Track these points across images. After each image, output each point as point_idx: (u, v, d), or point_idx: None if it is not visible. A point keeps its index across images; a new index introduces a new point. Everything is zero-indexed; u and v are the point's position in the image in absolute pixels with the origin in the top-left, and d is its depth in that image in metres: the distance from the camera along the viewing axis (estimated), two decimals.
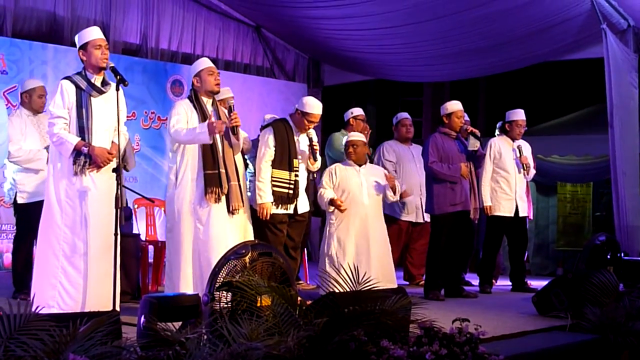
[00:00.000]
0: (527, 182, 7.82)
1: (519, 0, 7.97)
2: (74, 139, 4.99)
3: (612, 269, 6.55)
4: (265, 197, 6.08)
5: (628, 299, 5.49)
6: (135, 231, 7.11)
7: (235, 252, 4.08)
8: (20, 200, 6.24)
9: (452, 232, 7.01)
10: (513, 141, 7.74)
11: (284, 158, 6.16)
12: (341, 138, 7.54)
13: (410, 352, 3.71)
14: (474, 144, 7.25)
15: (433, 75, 10.81)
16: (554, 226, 10.71)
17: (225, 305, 3.85)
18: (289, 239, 6.27)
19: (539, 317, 5.82)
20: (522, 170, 7.65)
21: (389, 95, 13.54)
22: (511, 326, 5.36)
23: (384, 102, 13.59)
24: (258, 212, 6.07)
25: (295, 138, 6.27)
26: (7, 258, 7.86)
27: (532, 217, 8.19)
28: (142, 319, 3.70)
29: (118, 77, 4.94)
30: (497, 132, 8.34)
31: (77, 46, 5.16)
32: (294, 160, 6.20)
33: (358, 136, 6.68)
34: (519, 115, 7.77)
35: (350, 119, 7.86)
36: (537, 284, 7.58)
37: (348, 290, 4.05)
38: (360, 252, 6.39)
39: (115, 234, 4.80)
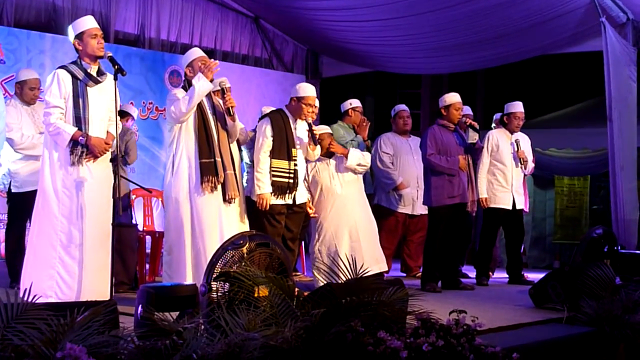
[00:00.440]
0: (524, 175, 7.80)
1: None
2: (71, 129, 4.98)
3: (609, 262, 6.57)
4: (264, 187, 6.08)
5: (624, 292, 5.49)
6: (133, 221, 7.12)
7: (233, 243, 4.08)
8: (14, 190, 6.23)
9: (449, 225, 7.01)
10: (511, 134, 7.72)
11: (283, 147, 6.16)
12: (340, 130, 7.53)
13: (407, 343, 3.72)
14: (472, 137, 7.24)
15: (431, 68, 10.78)
16: (551, 219, 10.73)
17: (223, 296, 3.85)
18: (287, 230, 6.28)
19: (535, 310, 5.83)
20: (519, 164, 7.64)
21: (387, 87, 13.52)
22: (508, 318, 5.37)
23: (382, 94, 13.57)
24: (257, 203, 6.08)
25: (293, 127, 6.27)
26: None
27: (527, 210, 8.19)
28: (140, 308, 3.70)
29: (116, 66, 4.93)
30: (493, 124, 8.34)
31: (73, 35, 5.13)
32: (293, 149, 6.20)
33: (322, 129, 6.67)
34: (518, 107, 7.75)
35: (349, 110, 7.82)
36: (534, 276, 7.59)
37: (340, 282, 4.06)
38: (344, 242, 6.46)
39: (113, 224, 4.80)
